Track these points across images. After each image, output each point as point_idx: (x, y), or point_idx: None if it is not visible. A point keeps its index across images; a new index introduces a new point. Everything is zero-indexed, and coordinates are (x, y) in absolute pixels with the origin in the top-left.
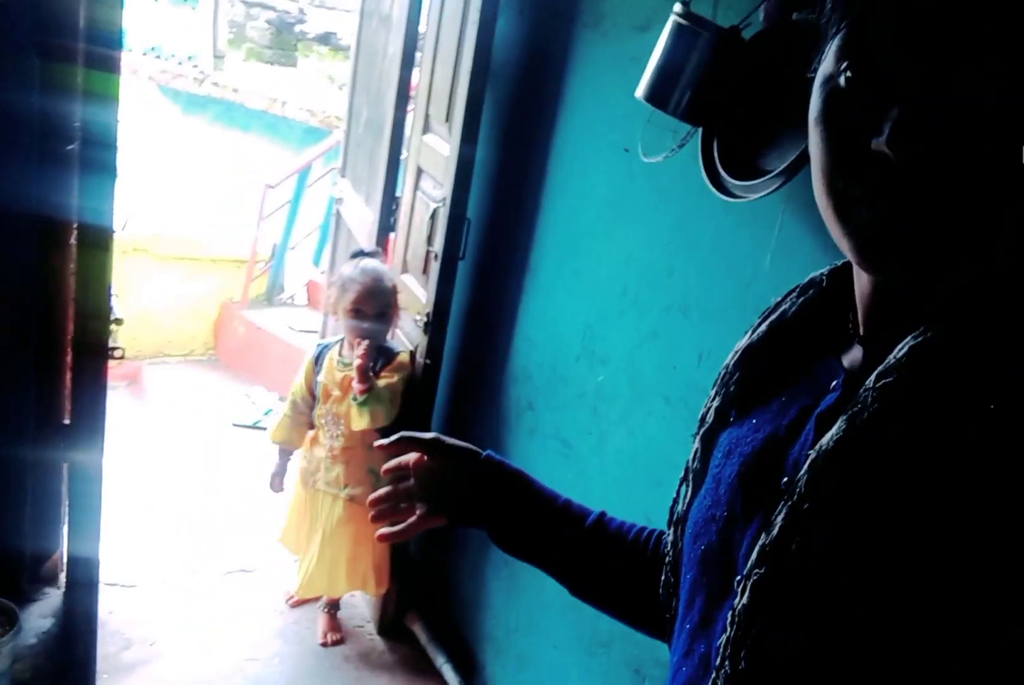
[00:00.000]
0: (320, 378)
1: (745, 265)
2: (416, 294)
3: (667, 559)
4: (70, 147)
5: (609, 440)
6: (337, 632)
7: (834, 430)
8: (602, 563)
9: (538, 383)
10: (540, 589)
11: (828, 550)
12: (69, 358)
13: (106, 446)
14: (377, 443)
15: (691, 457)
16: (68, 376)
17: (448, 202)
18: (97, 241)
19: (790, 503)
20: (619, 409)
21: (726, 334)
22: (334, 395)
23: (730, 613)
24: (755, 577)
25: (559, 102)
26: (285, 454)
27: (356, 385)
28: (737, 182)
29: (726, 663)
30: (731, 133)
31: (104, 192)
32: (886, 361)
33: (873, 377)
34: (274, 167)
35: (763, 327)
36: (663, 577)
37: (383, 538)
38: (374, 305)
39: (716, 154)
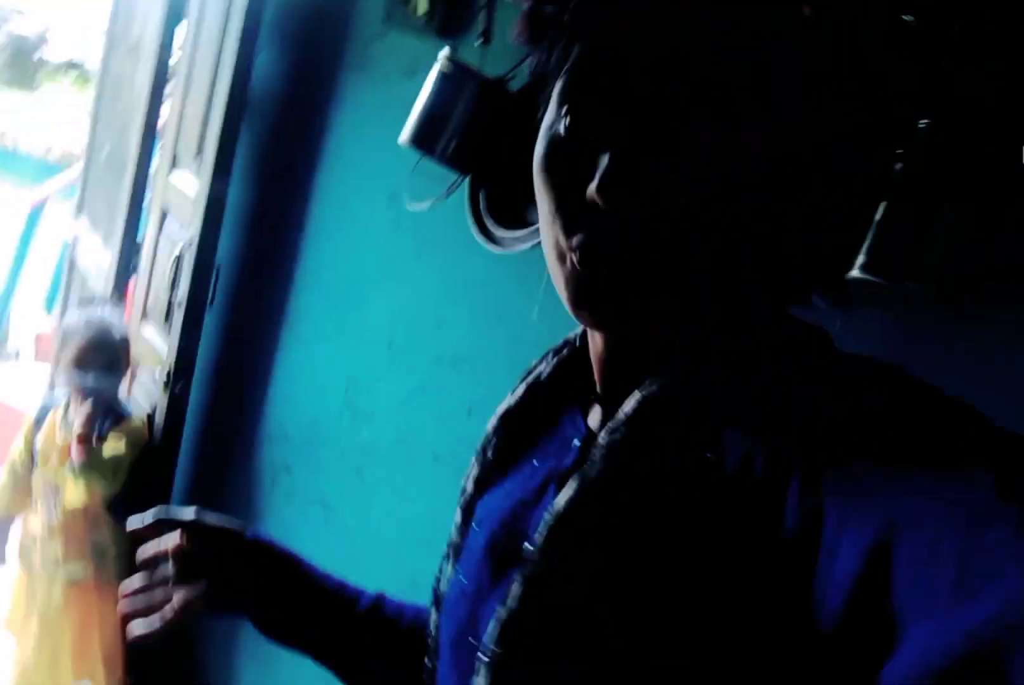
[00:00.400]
0: (38, 441)
1: (514, 317)
2: (156, 346)
3: (430, 642)
4: None
5: (375, 502)
6: None
7: (566, 490)
8: (374, 651)
9: (296, 443)
10: (297, 679)
11: (566, 622)
12: None
13: None
14: (130, 528)
15: (453, 530)
16: None
17: (195, 244)
18: None
19: (524, 571)
20: (385, 468)
21: (497, 387)
22: (51, 461)
23: None
24: (490, 656)
25: (323, 143)
26: (5, 525)
27: (73, 452)
28: (505, 233)
29: None
30: (500, 183)
31: None
32: (615, 417)
33: (603, 433)
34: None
35: (520, 389)
36: (425, 664)
37: (136, 638)
38: (98, 359)
39: (483, 203)
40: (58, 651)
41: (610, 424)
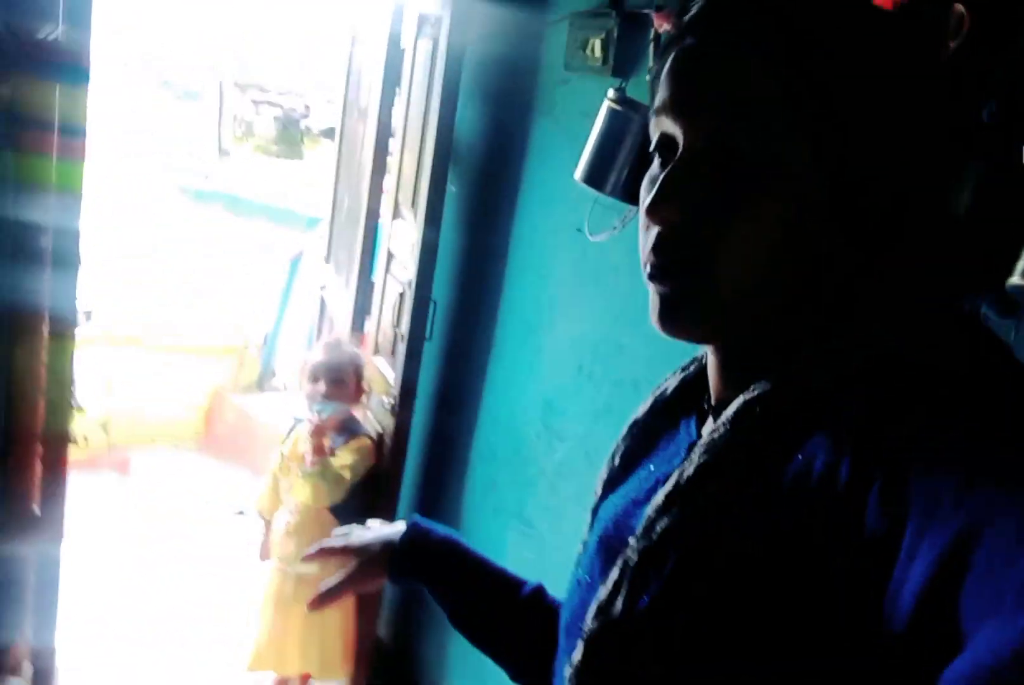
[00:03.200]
0: (284, 449)
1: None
2: (385, 375)
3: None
4: (39, 240)
5: (566, 517)
6: None
7: (666, 485)
8: (529, 634)
9: (501, 461)
10: None
11: (653, 605)
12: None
13: (76, 535)
14: (304, 556)
15: (585, 530)
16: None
17: (414, 284)
18: (59, 333)
19: (624, 559)
20: (575, 486)
21: None
22: (292, 469)
23: (569, 670)
24: (587, 634)
25: (518, 185)
26: (267, 524)
27: (307, 460)
28: None
29: None
30: None
31: (68, 284)
32: (718, 419)
33: (704, 434)
34: (271, 256)
35: (648, 402)
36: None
37: (314, 604)
38: (329, 373)
39: None
40: (285, 639)
41: (712, 426)
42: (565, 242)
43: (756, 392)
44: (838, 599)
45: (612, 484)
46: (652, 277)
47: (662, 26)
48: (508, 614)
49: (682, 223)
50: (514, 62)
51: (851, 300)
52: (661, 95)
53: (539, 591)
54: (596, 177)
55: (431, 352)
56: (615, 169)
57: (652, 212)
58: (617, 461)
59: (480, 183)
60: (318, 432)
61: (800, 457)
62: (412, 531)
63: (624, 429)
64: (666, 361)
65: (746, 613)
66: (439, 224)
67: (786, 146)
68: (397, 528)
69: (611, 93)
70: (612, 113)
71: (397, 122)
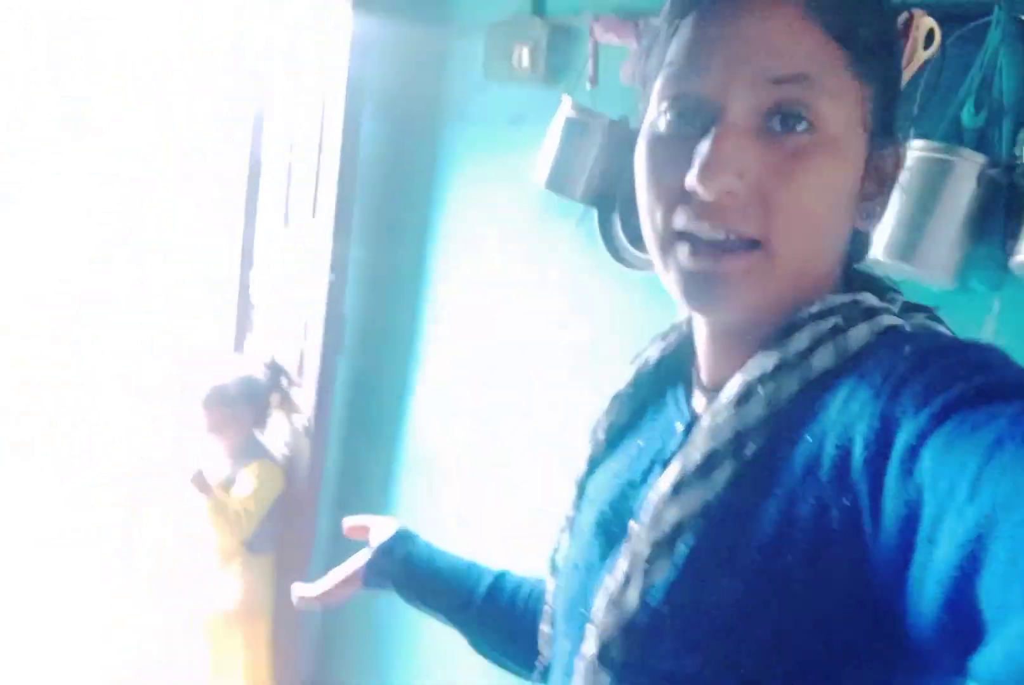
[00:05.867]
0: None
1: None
2: (293, 395)
3: (547, 608)
4: None
5: (490, 533)
6: None
7: (669, 471)
8: (493, 627)
9: (424, 480)
10: None
11: (668, 596)
12: None
13: None
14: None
15: (567, 505)
16: None
17: (325, 299)
18: None
19: (631, 548)
20: (501, 503)
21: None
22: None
23: (579, 663)
24: (598, 623)
25: (430, 192)
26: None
27: (204, 492)
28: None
29: None
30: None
31: None
32: (718, 400)
33: (706, 416)
34: None
35: (630, 374)
36: (540, 628)
37: (303, 601)
38: (213, 401)
39: (619, 228)
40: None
41: (713, 406)
42: (495, 247)
43: (757, 372)
44: (855, 581)
45: (596, 460)
46: (699, 252)
47: (602, 35)
48: (471, 616)
49: (739, 192)
50: (418, 73)
51: (848, 271)
52: (695, 56)
53: (495, 587)
54: (561, 185)
55: (344, 369)
56: (582, 176)
57: (707, 178)
58: (602, 435)
59: (386, 192)
60: (197, 480)
61: (809, 438)
62: (391, 540)
63: (607, 403)
64: (599, 370)
65: (761, 599)
66: (348, 235)
67: (844, 111)
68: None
69: (569, 102)
70: (572, 122)
71: (291, 131)
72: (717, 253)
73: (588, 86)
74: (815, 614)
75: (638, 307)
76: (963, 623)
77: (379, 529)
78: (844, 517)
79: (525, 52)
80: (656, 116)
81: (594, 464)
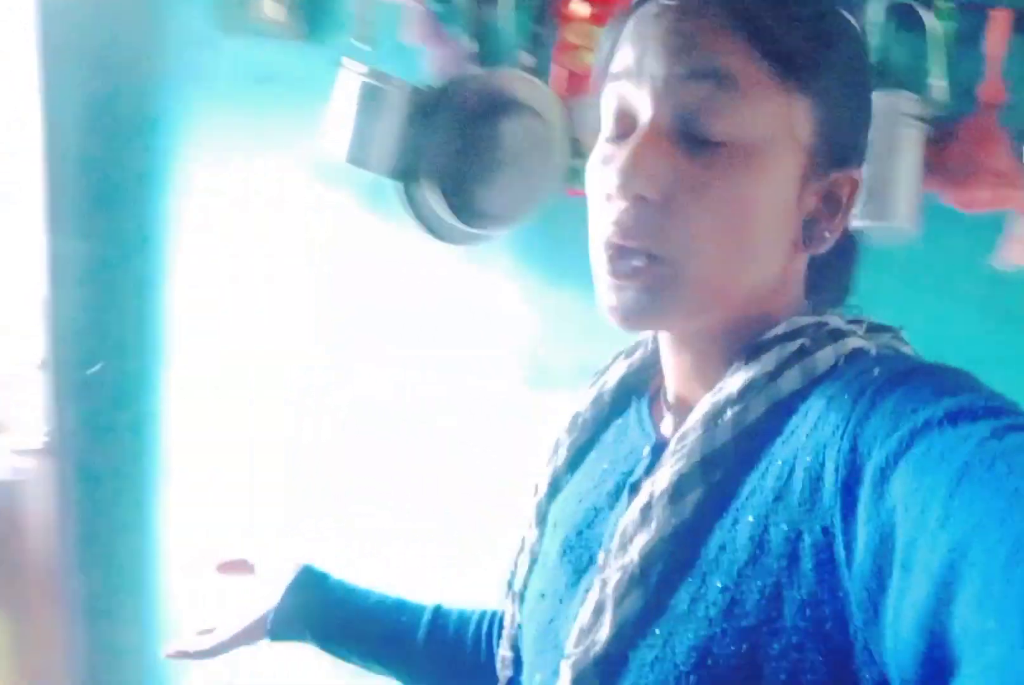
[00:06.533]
0: None
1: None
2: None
3: (507, 632)
4: None
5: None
6: None
7: (639, 498)
8: (440, 671)
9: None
10: None
11: (641, 627)
12: None
13: None
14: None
15: (526, 528)
16: None
17: (49, 301)
18: None
19: (601, 577)
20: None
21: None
22: None
23: None
24: (573, 657)
25: (165, 158)
26: None
27: None
28: (470, 229)
29: None
30: (447, 184)
31: None
32: (686, 423)
33: (674, 440)
34: None
35: (592, 392)
36: (500, 653)
37: (179, 655)
38: None
39: (440, 200)
40: None
41: (681, 430)
42: (242, 226)
43: (724, 393)
44: (830, 605)
45: (558, 481)
46: (614, 271)
47: None
48: (414, 659)
49: (655, 201)
50: (120, 27)
51: (809, 289)
52: (627, 58)
53: (435, 624)
54: (365, 158)
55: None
56: (386, 148)
57: (620, 182)
58: (563, 456)
59: (95, 170)
60: None
61: (779, 462)
62: (293, 588)
63: (567, 421)
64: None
65: (736, 627)
66: (65, 228)
67: (767, 120)
68: (278, 585)
69: (358, 66)
70: (368, 88)
71: None
72: (626, 266)
73: (361, 46)
74: (790, 640)
75: (446, 283)
76: (940, 651)
77: (271, 567)
78: (817, 541)
79: (270, 3)
80: (605, 124)
81: (554, 485)
